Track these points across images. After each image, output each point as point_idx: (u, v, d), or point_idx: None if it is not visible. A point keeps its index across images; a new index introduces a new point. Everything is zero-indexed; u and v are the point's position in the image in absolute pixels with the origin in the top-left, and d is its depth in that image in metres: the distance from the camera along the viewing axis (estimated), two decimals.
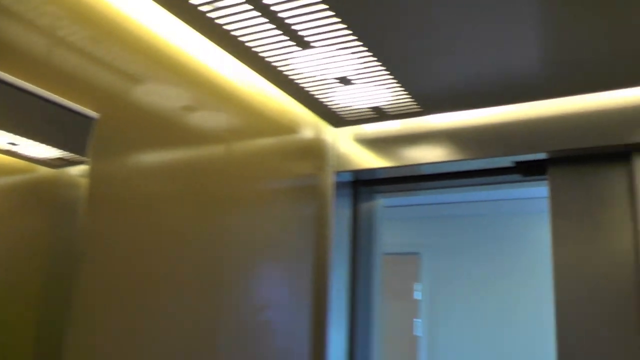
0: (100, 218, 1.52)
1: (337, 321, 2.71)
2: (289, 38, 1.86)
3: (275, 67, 2.08)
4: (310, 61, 2.02)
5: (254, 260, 2.13)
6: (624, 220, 2.22)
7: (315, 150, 2.58)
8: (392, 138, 2.61)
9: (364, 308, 2.84)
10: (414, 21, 1.75)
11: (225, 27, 1.81)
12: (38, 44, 1.38)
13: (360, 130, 2.69)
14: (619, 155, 2.26)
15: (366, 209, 2.94)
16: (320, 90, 2.28)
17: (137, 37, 1.67)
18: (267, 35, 1.85)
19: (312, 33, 1.82)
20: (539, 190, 4.38)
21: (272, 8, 1.68)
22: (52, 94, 1.39)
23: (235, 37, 1.87)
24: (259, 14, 1.71)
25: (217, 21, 1.78)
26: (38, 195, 1.37)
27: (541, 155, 2.36)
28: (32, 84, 1.35)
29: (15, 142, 1.31)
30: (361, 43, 1.88)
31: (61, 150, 1.41)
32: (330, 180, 2.69)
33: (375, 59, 1.99)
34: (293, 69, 2.10)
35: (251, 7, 1.68)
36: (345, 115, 2.55)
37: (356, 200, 2.91)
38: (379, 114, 2.51)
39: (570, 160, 2.35)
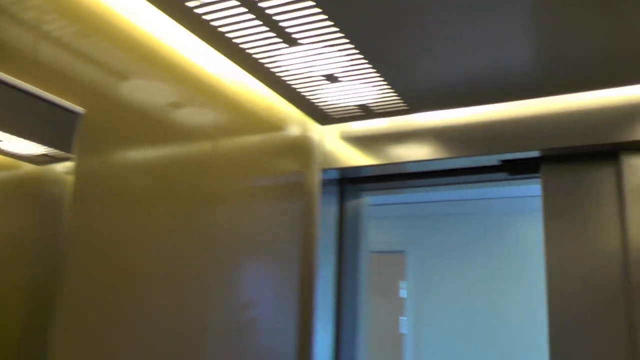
0: (86, 216, 1.51)
1: (323, 319, 2.72)
2: (276, 35, 1.85)
3: (263, 64, 2.08)
4: (298, 58, 2.02)
5: (240, 257, 2.13)
6: (613, 218, 2.24)
7: (302, 148, 2.58)
8: (378, 136, 2.61)
9: (350, 306, 2.84)
10: (401, 19, 1.75)
11: (212, 23, 1.81)
12: (23, 38, 1.36)
13: (347, 128, 2.69)
14: (607, 153, 2.28)
15: (352, 207, 2.94)
16: (307, 87, 2.28)
17: (124, 33, 1.66)
18: (254, 32, 1.84)
19: (299, 30, 1.82)
20: (525, 189, 4.42)
21: (260, 5, 1.68)
22: (36, 88, 1.37)
23: (223, 33, 1.87)
24: (246, 10, 1.71)
25: (204, 17, 1.77)
26: (22, 192, 1.35)
27: (529, 154, 2.37)
28: (16, 78, 1.33)
29: None
30: (348, 40, 1.88)
31: (46, 147, 1.39)
32: (316, 177, 2.69)
33: (362, 56, 1.99)
34: (280, 66, 2.09)
35: (238, 3, 1.67)
36: (332, 113, 2.55)
37: (342, 198, 2.92)
38: (365, 111, 2.51)
39: (561, 158, 2.37)
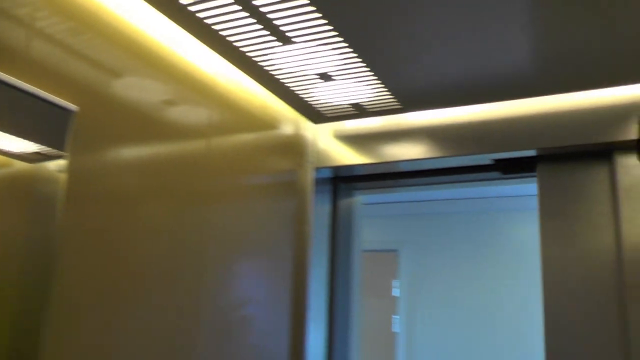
0: (79, 214, 1.50)
1: (315, 317, 2.72)
2: (270, 33, 1.85)
3: (256, 62, 2.08)
4: (291, 57, 2.02)
5: (233, 256, 2.12)
6: (608, 217, 2.25)
7: (295, 146, 2.58)
8: (371, 135, 2.61)
9: (343, 304, 2.84)
10: (396, 18, 1.75)
11: (206, 21, 1.80)
12: (15, 34, 1.36)
13: (340, 126, 2.69)
14: (602, 153, 2.30)
15: (345, 206, 2.94)
16: (301, 86, 2.28)
17: (118, 30, 1.65)
18: (248, 30, 1.84)
19: (293, 28, 1.81)
20: (518, 189, 4.44)
21: (254, 2, 1.67)
22: (29, 85, 1.37)
23: (217, 31, 1.86)
24: (240, 8, 1.71)
25: (198, 15, 1.77)
26: (14, 191, 1.34)
27: (523, 153, 2.38)
28: (9, 75, 1.32)
29: None
30: (342, 39, 1.88)
31: (39, 145, 1.38)
32: (309, 176, 2.69)
33: (356, 55, 1.99)
34: (274, 65, 2.09)
35: (232, 1, 1.67)
36: (325, 112, 2.55)
37: (335, 196, 2.92)
38: (359, 110, 2.51)
39: (557, 158, 2.38)
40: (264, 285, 2.31)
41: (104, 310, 1.55)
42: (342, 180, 2.92)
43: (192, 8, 1.73)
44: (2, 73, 1.31)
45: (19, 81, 1.34)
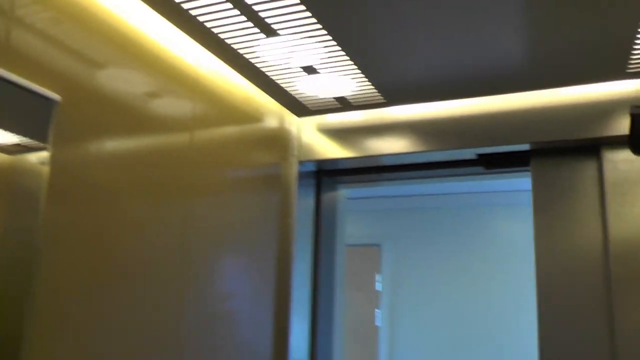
0: (62, 208, 1.48)
1: (299, 311, 2.72)
2: (254, 25, 1.84)
3: (241, 54, 2.06)
4: (276, 49, 2.01)
5: (217, 249, 2.12)
6: (597, 212, 2.29)
7: (279, 140, 2.57)
8: (355, 129, 2.61)
9: (326, 298, 2.85)
10: (380, 12, 1.75)
11: (190, 12, 1.79)
12: None
13: (324, 120, 2.69)
14: (590, 148, 2.33)
15: (329, 200, 2.94)
16: (285, 78, 2.27)
17: (100, 21, 1.63)
18: (232, 22, 1.83)
19: (278, 21, 1.81)
20: (502, 184, 4.47)
21: None
22: (9, 73, 1.33)
23: (201, 23, 1.85)
24: None
25: (183, 6, 1.75)
26: None
27: (514, 147, 2.40)
28: None
29: None
30: (326, 32, 1.88)
31: (20, 136, 1.35)
32: (293, 169, 2.68)
33: (340, 48, 1.99)
34: (258, 57, 2.08)
35: None
36: (310, 105, 2.55)
37: (319, 190, 2.92)
38: (342, 104, 2.51)
39: (549, 152, 2.40)
40: (248, 278, 2.31)
41: (87, 305, 1.54)
42: (325, 174, 2.91)
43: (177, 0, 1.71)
44: None
45: None
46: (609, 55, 2.00)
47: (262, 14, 1.77)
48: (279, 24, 1.83)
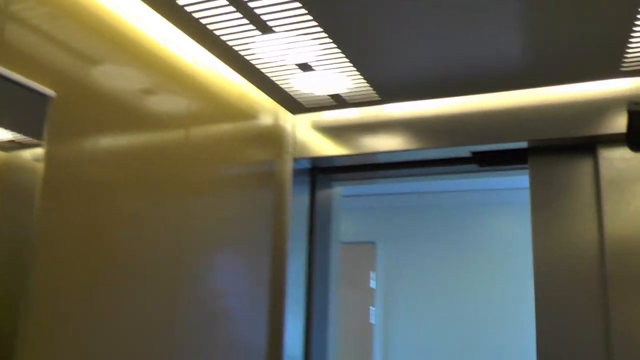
0: (57, 204, 1.48)
1: (293, 308, 2.72)
2: (250, 22, 1.84)
3: (236, 51, 2.06)
4: (271, 46, 2.00)
5: (212, 246, 2.11)
6: (593, 209, 2.30)
7: (274, 137, 2.57)
8: (350, 126, 2.61)
9: (321, 296, 2.85)
10: (376, 10, 1.75)
11: (185, 8, 1.78)
12: None
13: (319, 117, 2.69)
14: (587, 146, 2.34)
15: (324, 197, 2.94)
16: (280, 76, 2.26)
17: (96, 17, 1.63)
18: (228, 19, 1.83)
19: (273, 18, 1.80)
20: (496, 182, 4.48)
21: None
22: (3, 68, 1.32)
23: (197, 19, 1.84)
24: None
25: (178, 2, 1.75)
26: None
27: (511, 145, 2.40)
28: None
29: None
30: (322, 29, 1.88)
31: (14, 132, 1.34)
32: (288, 167, 2.68)
33: (336, 46, 1.99)
34: (253, 54, 2.08)
35: None
36: (305, 102, 2.55)
37: (314, 188, 2.91)
38: (338, 101, 2.51)
39: (547, 150, 2.40)
40: (242, 276, 2.31)
41: (81, 302, 1.54)
42: (320, 171, 2.91)
43: None
44: None
45: None
46: (604, 54, 2.01)
47: (257, 11, 1.76)
48: (274, 21, 1.82)
